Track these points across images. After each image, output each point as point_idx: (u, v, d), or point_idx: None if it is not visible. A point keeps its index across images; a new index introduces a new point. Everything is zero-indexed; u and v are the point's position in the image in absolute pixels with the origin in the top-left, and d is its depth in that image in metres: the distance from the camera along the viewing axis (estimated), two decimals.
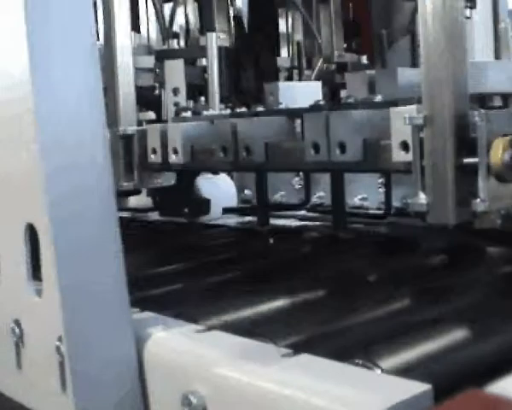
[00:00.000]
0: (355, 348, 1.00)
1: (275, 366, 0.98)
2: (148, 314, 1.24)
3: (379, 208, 2.02)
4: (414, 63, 2.11)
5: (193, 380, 1.03)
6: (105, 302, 1.11)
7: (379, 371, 0.93)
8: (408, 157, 1.11)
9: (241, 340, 1.08)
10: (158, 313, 1.23)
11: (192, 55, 2.23)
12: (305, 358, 0.99)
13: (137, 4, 2.62)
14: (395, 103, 1.17)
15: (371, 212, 2.05)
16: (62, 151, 1.08)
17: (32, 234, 1.13)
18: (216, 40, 1.98)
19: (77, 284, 1.08)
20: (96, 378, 1.10)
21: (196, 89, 2.19)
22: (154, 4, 2.25)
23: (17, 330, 1.19)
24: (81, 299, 1.09)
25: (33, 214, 1.11)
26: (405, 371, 0.92)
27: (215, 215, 2.25)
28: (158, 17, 2.28)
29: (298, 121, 1.45)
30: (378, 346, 1.00)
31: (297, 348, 1.01)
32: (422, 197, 1.07)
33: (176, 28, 2.35)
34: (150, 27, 2.55)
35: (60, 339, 1.08)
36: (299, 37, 2.70)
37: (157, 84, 2.19)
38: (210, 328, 1.15)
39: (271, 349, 1.04)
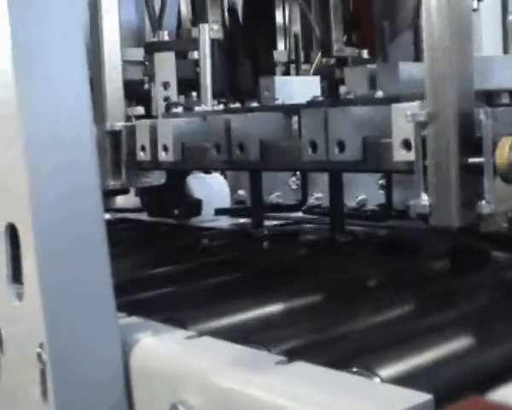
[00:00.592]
0: (353, 355, 1.01)
1: (268, 374, 0.98)
2: (135, 319, 1.24)
3: (379, 210, 2.03)
4: (417, 58, 2.12)
5: (182, 389, 1.03)
6: (90, 307, 1.11)
7: (378, 380, 0.94)
8: (410, 156, 1.11)
9: (234, 347, 1.09)
10: (146, 318, 1.23)
11: (183, 47, 2.23)
12: (300, 366, 0.99)
13: None
14: (397, 100, 1.17)
15: (371, 214, 2.05)
16: (46, 149, 1.08)
17: (12, 234, 1.13)
18: (209, 32, 1.99)
19: (60, 287, 1.08)
20: (80, 388, 1.10)
21: (188, 83, 2.19)
22: None
23: None
24: (64, 303, 1.09)
25: (14, 213, 1.11)
26: (405, 381, 0.92)
27: (207, 216, 2.25)
28: (148, 7, 2.29)
29: (295, 118, 1.46)
30: (377, 353, 1.01)
31: (292, 356, 1.01)
32: (425, 198, 1.08)
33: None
34: None
35: (41, 346, 1.08)
36: (296, 29, 2.71)
37: (146, 78, 2.20)
38: (201, 334, 1.15)
39: (265, 356, 1.04)
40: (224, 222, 2.25)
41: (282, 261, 1.71)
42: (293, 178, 2.30)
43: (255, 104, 1.54)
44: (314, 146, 1.27)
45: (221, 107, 1.73)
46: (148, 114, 2.14)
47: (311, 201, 2.24)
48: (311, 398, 0.91)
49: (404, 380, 0.93)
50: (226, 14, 2.46)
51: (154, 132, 1.64)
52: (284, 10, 2.80)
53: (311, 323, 1.21)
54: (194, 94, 2.15)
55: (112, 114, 1.84)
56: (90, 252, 1.12)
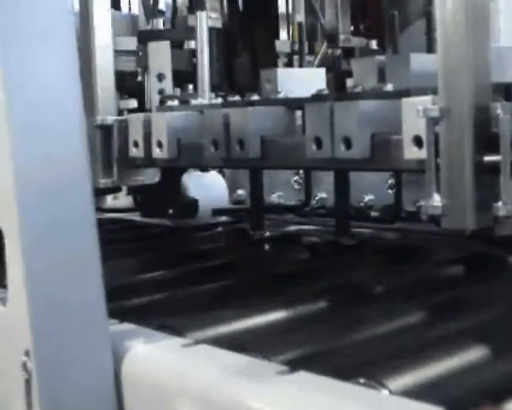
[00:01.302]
0: (359, 365, 1.01)
1: (269, 384, 0.98)
2: (127, 326, 1.24)
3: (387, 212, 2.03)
4: (429, 48, 2.13)
5: (177, 400, 1.04)
6: (79, 312, 1.11)
7: (386, 392, 0.94)
8: (421, 154, 1.11)
9: (233, 355, 1.09)
10: (139, 325, 1.24)
11: (179, 36, 2.24)
12: (302, 376, 0.99)
13: None
14: (407, 93, 1.18)
15: (378, 216, 2.06)
16: (34, 146, 1.09)
17: None
18: (206, 20, 1.99)
19: (47, 291, 1.09)
20: (68, 399, 1.10)
21: (184, 75, 2.20)
22: None
23: None
24: (51, 308, 1.09)
25: None
26: (416, 393, 0.93)
27: (204, 217, 2.25)
28: None
29: (298, 113, 1.46)
30: (385, 364, 1.01)
31: (294, 365, 1.02)
32: (437, 199, 1.08)
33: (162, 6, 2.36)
34: (132, 4, 2.56)
35: (27, 354, 1.09)
36: (300, 17, 2.72)
37: (140, 69, 2.20)
38: (197, 342, 1.16)
39: (265, 366, 1.04)
40: (222, 223, 2.25)
41: (283, 265, 1.71)
42: (296, 177, 2.30)
43: (256, 98, 1.54)
44: (319, 143, 1.27)
45: (219, 100, 1.73)
46: (142, 108, 2.14)
47: (315, 201, 2.24)
48: None
49: (414, 392, 0.93)
50: (225, 0, 2.47)
51: (147, 127, 1.64)
52: None
53: (314, 331, 1.21)
54: (190, 86, 2.15)
55: (103, 108, 1.84)
56: (80, 255, 1.12)
